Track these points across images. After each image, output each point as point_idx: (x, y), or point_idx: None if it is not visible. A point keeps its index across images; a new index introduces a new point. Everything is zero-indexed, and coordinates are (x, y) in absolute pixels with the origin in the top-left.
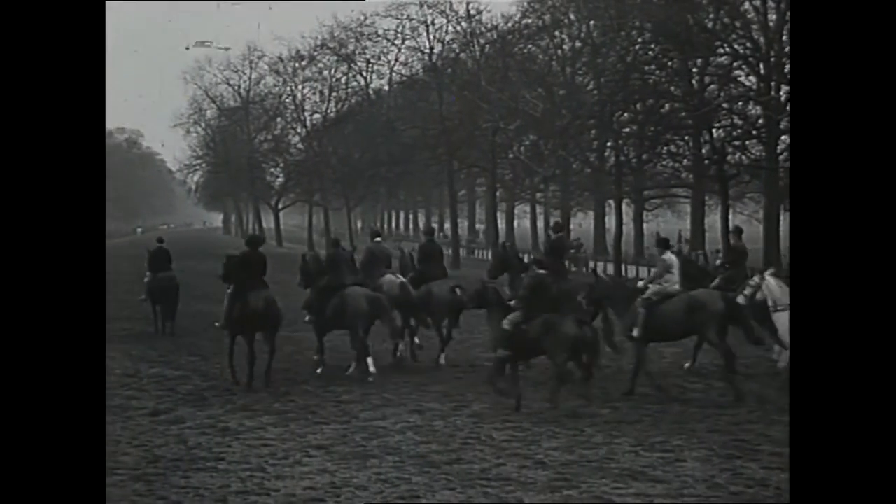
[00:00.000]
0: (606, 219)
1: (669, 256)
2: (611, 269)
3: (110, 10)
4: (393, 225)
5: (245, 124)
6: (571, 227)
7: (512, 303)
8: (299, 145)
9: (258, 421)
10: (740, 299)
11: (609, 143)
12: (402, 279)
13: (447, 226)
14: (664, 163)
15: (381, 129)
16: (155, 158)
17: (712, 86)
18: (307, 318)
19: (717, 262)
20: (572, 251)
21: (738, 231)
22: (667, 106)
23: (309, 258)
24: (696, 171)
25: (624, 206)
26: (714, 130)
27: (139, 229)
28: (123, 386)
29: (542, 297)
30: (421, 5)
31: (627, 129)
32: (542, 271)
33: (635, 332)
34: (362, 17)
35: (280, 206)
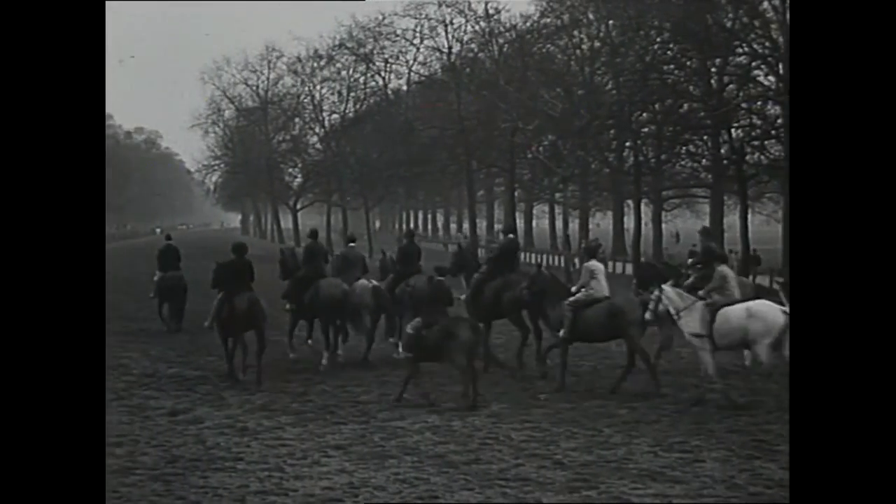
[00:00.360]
0: (625, 219)
1: (594, 264)
2: (629, 269)
3: (128, 10)
4: (412, 225)
5: (263, 124)
6: (590, 227)
7: (463, 297)
8: (318, 145)
9: (276, 421)
10: (647, 314)
11: (628, 143)
12: (375, 283)
13: (466, 226)
14: (683, 163)
15: (399, 129)
16: (173, 159)
17: (731, 85)
18: (287, 307)
19: (689, 261)
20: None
21: (707, 231)
22: (685, 106)
23: (287, 252)
24: (715, 171)
25: (643, 207)
26: (733, 130)
27: (158, 229)
28: (142, 386)
29: (440, 302)
30: (439, 5)
31: (646, 129)
32: (440, 278)
33: (562, 333)
34: (381, 17)
35: (298, 206)
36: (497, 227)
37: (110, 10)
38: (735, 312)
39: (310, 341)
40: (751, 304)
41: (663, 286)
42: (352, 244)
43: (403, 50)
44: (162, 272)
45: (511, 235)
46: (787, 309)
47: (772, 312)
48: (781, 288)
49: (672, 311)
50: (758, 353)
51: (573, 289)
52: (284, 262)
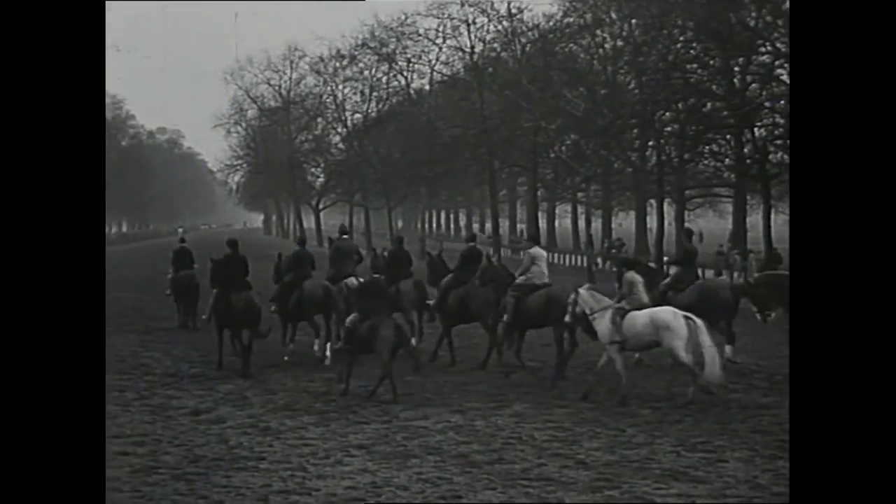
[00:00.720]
0: (648, 218)
1: (535, 250)
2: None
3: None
4: (434, 225)
5: (286, 124)
6: (612, 226)
7: (430, 303)
8: (340, 145)
9: (299, 420)
10: (567, 317)
11: (650, 143)
12: (362, 280)
13: (488, 225)
14: (706, 162)
15: (422, 128)
16: (196, 158)
17: (754, 84)
18: (272, 309)
19: (665, 259)
20: (613, 251)
21: (689, 233)
22: (709, 105)
23: (283, 258)
24: (738, 170)
25: (665, 206)
26: (756, 129)
27: (180, 229)
28: (164, 385)
29: (374, 298)
30: (462, 4)
31: (669, 129)
32: (375, 275)
33: (505, 318)
34: (403, 17)
35: (321, 206)
36: (520, 226)
37: (135, 9)
38: (640, 318)
39: (291, 345)
40: (654, 311)
41: (579, 289)
42: (345, 235)
43: (426, 49)
44: (175, 272)
45: (472, 244)
46: (690, 315)
47: (677, 321)
48: (749, 288)
49: (587, 311)
50: (678, 358)
51: (517, 273)
52: (278, 267)
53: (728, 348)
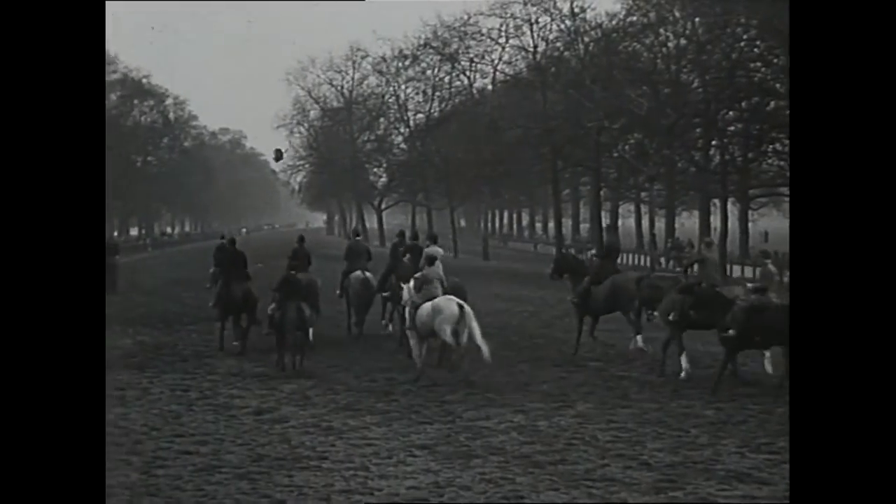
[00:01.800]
0: (711, 218)
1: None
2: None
3: (212, 13)
4: (497, 224)
5: (348, 124)
6: (676, 226)
7: (385, 295)
8: (402, 145)
9: (361, 420)
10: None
11: (714, 142)
12: (367, 275)
13: (551, 225)
14: (770, 161)
15: (484, 128)
16: (258, 159)
17: None
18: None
19: (590, 254)
20: (673, 251)
21: (611, 229)
22: (772, 104)
23: (293, 253)
24: None
25: (729, 206)
26: None
27: (244, 230)
28: (227, 384)
29: (288, 290)
30: (525, 4)
31: (732, 128)
32: (292, 272)
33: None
34: (466, 17)
35: (383, 206)
36: (583, 227)
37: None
38: (425, 308)
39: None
40: (436, 300)
41: (403, 284)
42: (357, 237)
43: (489, 49)
44: (216, 266)
45: (415, 241)
46: (463, 303)
47: (449, 306)
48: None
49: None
50: (443, 338)
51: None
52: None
53: (638, 338)
